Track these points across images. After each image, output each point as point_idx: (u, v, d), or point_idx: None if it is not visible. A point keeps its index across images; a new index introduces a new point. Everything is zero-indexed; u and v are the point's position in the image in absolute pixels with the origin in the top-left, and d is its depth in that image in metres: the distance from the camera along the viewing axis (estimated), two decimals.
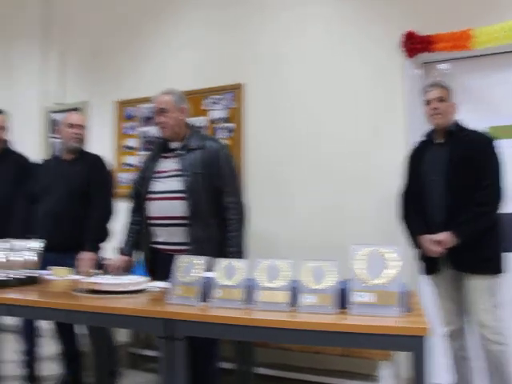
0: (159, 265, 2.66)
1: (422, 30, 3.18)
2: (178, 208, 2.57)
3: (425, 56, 3.24)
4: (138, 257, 2.78)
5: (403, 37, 3.24)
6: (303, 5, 3.66)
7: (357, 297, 1.57)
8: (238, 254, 2.49)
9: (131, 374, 3.57)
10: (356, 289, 1.58)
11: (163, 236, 2.65)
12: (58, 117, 3.38)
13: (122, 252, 2.79)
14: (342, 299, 1.64)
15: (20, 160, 3.44)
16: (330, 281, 1.63)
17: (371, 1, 3.43)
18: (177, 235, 2.60)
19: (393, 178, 2.98)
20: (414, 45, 3.18)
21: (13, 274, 2.26)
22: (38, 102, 4.88)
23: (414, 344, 1.41)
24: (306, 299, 1.62)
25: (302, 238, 3.46)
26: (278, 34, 3.74)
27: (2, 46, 5.21)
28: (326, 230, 3.43)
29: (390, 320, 1.48)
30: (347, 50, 3.49)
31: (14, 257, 2.26)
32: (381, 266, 1.58)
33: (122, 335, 3.99)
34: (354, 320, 1.49)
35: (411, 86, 3.23)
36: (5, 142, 3.40)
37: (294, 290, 1.66)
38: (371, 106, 3.39)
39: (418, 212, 2.69)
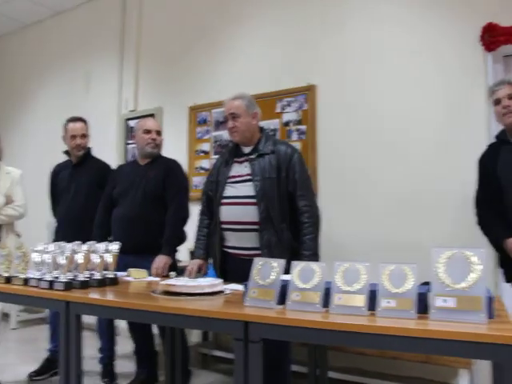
0: (229, 268, 2.70)
1: (505, 21, 3.02)
2: (249, 213, 2.58)
3: (505, 49, 3.07)
4: (210, 259, 2.83)
5: (482, 29, 3.09)
6: (376, 3, 3.59)
7: (440, 301, 1.51)
8: (314, 257, 2.47)
9: (201, 374, 3.62)
10: (439, 293, 1.52)
11: (233, 240, 2.67)
12: (134, 123, 3.48)
13: (195, 255, 2.83)
14: (421, 303, 1.59)
15: (101, 166, 3.58)
16: (410, 285, 1.58)
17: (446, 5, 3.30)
18: (247, 240, 2.61)
19: (472, 178, 2.86)
20: (495, 37, 3.02)
21: (93, 275, 2.36)
22: (115, 109, 5.10)
23: (503, 353, 1.34)
24: (386, 303, 1.58)
25: (377, 240, 3.39)
26: (349, 34, 3.69)
27: (82, 58, 5.49)
28: (400, 231, 3.34)
29: (477, 327, 1.41)
30: (423, 46, 3.38)
31: (94, 258, 2.36)
32: (465, 270, 1.52)
33: (192, 336, 4.07)
34: (438, 326, 1.43)
35: (493, 81, 3.03)
36: (86, 149, 3.54)
37: (372, 294, 1.62)
38: (450, 104, 3.26)
39: (498, 215, 2.54)
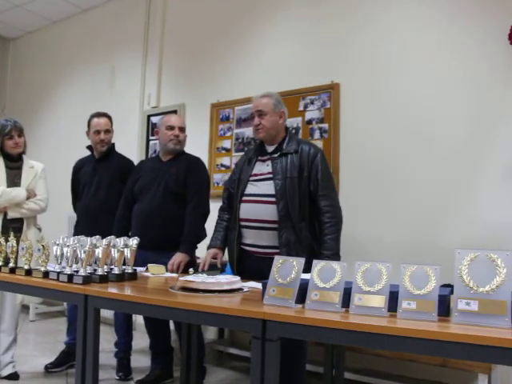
0: (245, 265, 2.71)
1: None
2: (268, 212, 2.59)
3: None
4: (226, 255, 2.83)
5: (511, 28, 3.01)
6: (401, 2, 3.54)
7: (462, 305, 1.49)
8: (335, 257, 2.45)
9: (216, 371, 3.62)
10: (462, 296, 1.49)
11: (251, 238, 2.68)
12: (156, 119, 3.48)
13: (211, 245, 2.83)
14: (443, 306, 1.56)
15: (124, 161, 3.59)
16: (431, 286, 1.56)
17: (475, 3, 3.23)
18: (264, 238, 2.62)
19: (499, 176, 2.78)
20: None
21: (112, 269, 2.37)
22: (138, 105, 5.14)
23: None
24: (406, 305, 1.56)
25: (398, 241, 3.34)
26: (374, 33, 3.65)
27: (106, 54, 5.54)
28: (422, 232, 3.29)
29: (500, 331, 1.37)
30: (448, 47, 3.32)
31: (113, 253, 2.37)
32: (489, 273, 1.48)
33: (208, 333, 4.08)
34: (460, 329, 1.40)
35: None
36: (110, 144, 3.55)
37: (393, 295, 1.60)
38: (477, 103, 3.18)
39: None
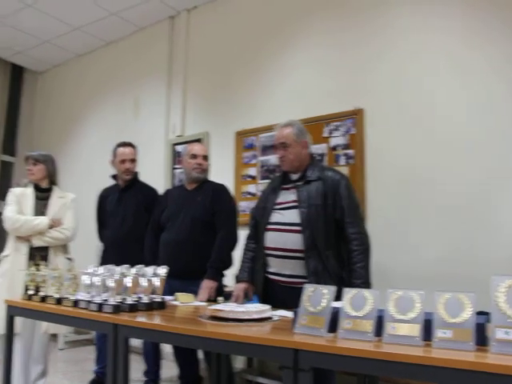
0: (270, 294, 2.68)
1: None
2: (293, 240, 2.56)
3: None
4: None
5: None
6: (425, 31, 3.55)
7: (501, 334, 1.43)
8: (366, 285, 2.41)
9: None
10: (500, 325, 1.44)
11: (276, 267, 2.65)
12: (181, 148, 3.50)
13: (239, 278, 2.82)
14: (479, 335, 1.51)
15: (148, 190, 3.65)
16: (467, 314, 1.51)
17: (496, 30, 3.23)
18: (289, 268, 2.59)
19: None
20: None
21: (141, 298, 2.37)
22: (163, 135, 5.20)
23: None
24: (442, 334, 1.51)
25: (429, 267, 3.28)
26: (396, 59, 3.65)
27: (131, 85, 5.66)
28: (453, 260, 3.21)
29: None
30: (471, 76, 3.30)
31: (142, 282, 2.37)
32: None
33: (237, 362, 4.02)
34: (500, 360, 1.35)
35: None
36: (134, 173, 3.62)
37: (427, 323, 1.56)
38: (498, 128, 3.16)
39: None
